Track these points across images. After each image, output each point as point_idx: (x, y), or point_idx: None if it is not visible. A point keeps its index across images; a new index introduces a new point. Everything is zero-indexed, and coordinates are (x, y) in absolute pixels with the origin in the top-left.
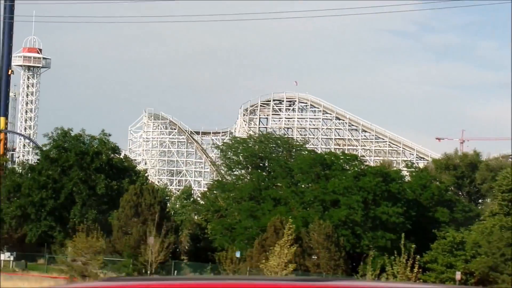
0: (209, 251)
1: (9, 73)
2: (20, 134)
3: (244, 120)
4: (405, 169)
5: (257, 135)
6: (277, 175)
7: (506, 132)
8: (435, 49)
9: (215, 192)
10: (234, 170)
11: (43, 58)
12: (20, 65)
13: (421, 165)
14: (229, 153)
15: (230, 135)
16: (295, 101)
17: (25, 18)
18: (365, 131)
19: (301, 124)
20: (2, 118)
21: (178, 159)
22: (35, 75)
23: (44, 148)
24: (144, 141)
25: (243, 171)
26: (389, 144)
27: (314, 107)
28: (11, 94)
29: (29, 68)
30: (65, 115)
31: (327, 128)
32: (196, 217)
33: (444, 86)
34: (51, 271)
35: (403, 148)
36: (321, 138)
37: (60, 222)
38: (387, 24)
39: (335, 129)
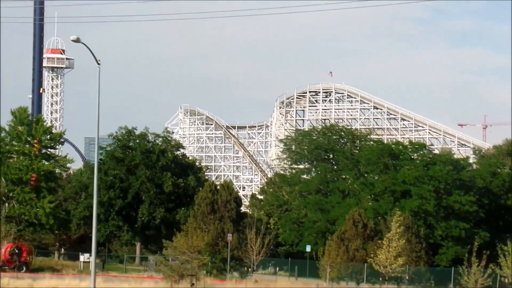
0: (273, 246)
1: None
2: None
3: (280, 113)
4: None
5: (320, 127)
6: (344, 167)
7: None
8: (451, 35)
9: (276, 186)
10: (299, 163)
11: (67, 59)
12: (44, 67)
13: (463, 152)
14: (293, 146)
15: (266, 128)
16: (332, 92)
17: (48, 19)
18: (404, 120)
19: (338, 115)
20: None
21: (216, 154)
22: (59, 75)
23: (108, 148)
24: (181, 137)
25: (307, 164)
26: (429, 132)
27: (351, 97)
28: (31, 96)
29: (53, 69)
30: (92, 114)
31: (365, 118)
32: (255, 212)
33: (461, 71)
34: (129, 271)
35: (443, 135)
36: (359, 128)
37: (128, 222)
38: (403, 11)
39: (373, 118)
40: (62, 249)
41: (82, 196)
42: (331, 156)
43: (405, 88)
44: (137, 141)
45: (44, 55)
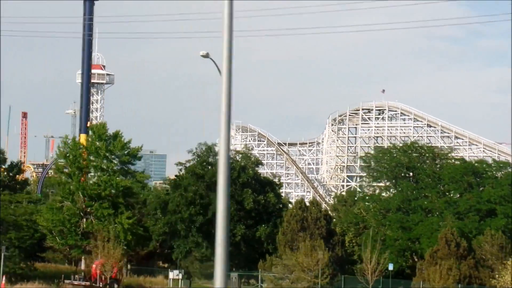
0: (348, 264)
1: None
2: None
3: (332, 130)
4: None
5: (400, 144)
6: (425, 185)
7: None
8: (485, 54)
9: (349, 204)
10: (379, 181)
11: (107, 74)
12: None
13: None
14: (372, 163)
15: (317, 145)
16: (385, 109)
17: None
18: (458, 138)
19: (391, 133)
20: (83, 135)
21: (268, 171)
22: (99, 91)
23: (187, 164)
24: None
25: (387, 181)
26: (483, 150)
27: (404, 114)
28: (70, 111)
29: (93, 84)
30: (132, 130)
31: (418, 136)
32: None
33: (494, 91)
34: None
35: (498, 153)
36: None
37: (208, 238)
38: (439, 31)
39: (426, 136)
40: (129, 265)
41: (158, 212)
42: (412, 174)
43: (443, 106)
44: (217, 157)
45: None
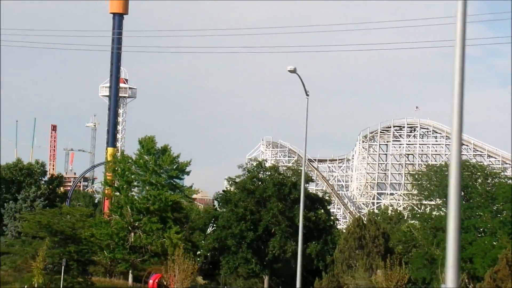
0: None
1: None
2: None
3: (363, 147)
4: None
5: (436, 162)
6: (478, 204)
7: None
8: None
9: (393, 222)
10: (431, 199)
11: (129, 88)
12: (106, 95)
13: None
14: (424, 181)
15: (347, 162)
16: (417, 127)
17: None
18: (491, 157)
19: (422, 150)
20: (110, 149)
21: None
22: (122, 105)
23: (237, 180)
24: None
25: (438, 200)
26: None
27: (436, 132)
28: (90, 124)
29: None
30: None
31: (450, 154)
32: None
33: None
34: None
35: None
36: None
37: (257, 254)
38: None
39: None
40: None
41: (209, 227)
42: (463, 193)
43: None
44: (268, 173)
45: (107, 84)
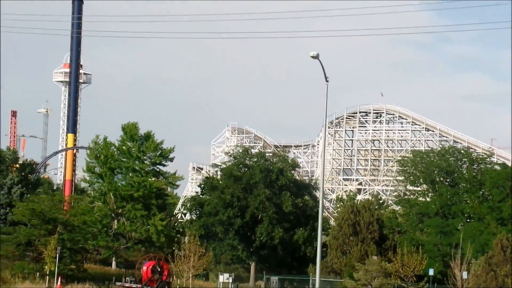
0: None
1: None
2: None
3: (329, 133)
4: None
5: (438, 148)
6: (465, 190)
7: None
8: (451, 60)
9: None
10: (416, 185)
11: (84, 74)
12: (61, 81)
13: None
14: (411, 167)
15: (312, 148)
16: (383, 112)
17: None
18: (456, 142)
19: (388, 136)
20: (70, 135)
21: None
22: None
23: (223, 166)
24: (227, 155)
25: (424, 186)
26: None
27: (402, 118)
28: (42, 110)
29: (68, 83)
30: (108, 129)
31: (416, 140)
32: None
33: (462, 96)
34: None
35: (497, 158)
36: (410, 149)
37: (244, 241)
38: (405, 36)
39: (425, 140)
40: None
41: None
42: (449, 178)
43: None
44: (255, 159)
45: (61, 70)
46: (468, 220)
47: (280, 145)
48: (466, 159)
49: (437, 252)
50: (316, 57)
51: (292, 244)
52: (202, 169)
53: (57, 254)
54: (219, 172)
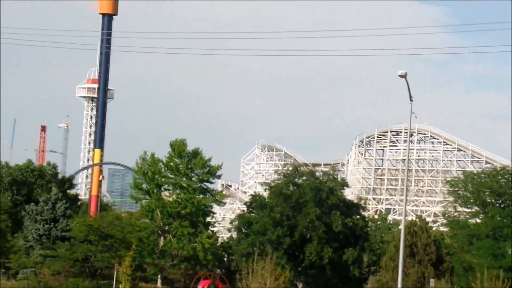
0: None
1: (100, 178)
2: (121, 165)
3: (359, 152)
4: None
5: (477, 170)
6: None
7: None
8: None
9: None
10: (468, 206)
11: (108, 89)
12: (84, 96)
13: None
14: (461, 188)
15: (342, 167)
16: (414, 132)
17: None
18: (488, 163)
19: (419, 156)
20: (97, 150)
21: None
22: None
23: (272, 184)
24: (257, 173)
25: (475, 207)
26: None
27: (434, 138)
28: (63, 125)
29: (92, 99)
30: (131, 144)
31: (448, 160)
32: None
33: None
34: None
35: None
36: (441, 170)
37: (292, 260)
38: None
39: (456, 160)
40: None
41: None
42: (501, 200)
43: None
44: (304, 177)
45: (84, 85)
46: None
47: (310, 163)
48: None
49: (489, 275)
50: (404, 76)
51: (340, 264)
52: (231, 186)
53: (115, 271)
54: (263, 190)
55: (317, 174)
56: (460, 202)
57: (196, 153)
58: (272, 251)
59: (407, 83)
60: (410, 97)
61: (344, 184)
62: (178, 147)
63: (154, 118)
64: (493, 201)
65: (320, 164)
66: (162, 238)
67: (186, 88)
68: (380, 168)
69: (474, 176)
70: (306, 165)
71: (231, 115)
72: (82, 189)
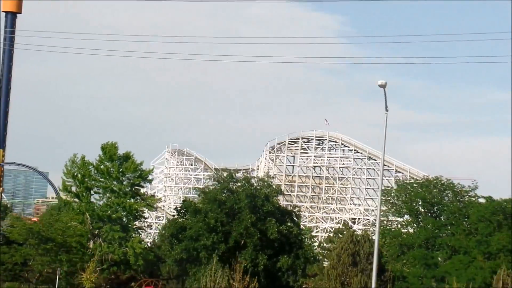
0: None
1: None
2: (25, 166)
3: (270, 158)
4: None
5: (424, 179)
6: (450, 222)
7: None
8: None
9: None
10: (402, 215)
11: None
12: None
13: None
14: (394, 197)
15: (252, 172)
16: (325, 139)
17: None
18: (398, 172)
19: (330, 163)
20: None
21: None
22: None
23: (206, 190)
24: (166, 177)
25: (407, 217)
26: None
27: (345, 146)
28: None
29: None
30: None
31: (358, 168)
32: None
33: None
34: None
35: None
36: (352, 178)
37: (229, 267)
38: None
39: (366, 169)
40: None
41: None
42: (433, 210)
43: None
44: (239, 184)
45: None
46: (453, 254)
47: (220, 168)
48: (449, 191)
49: (421, 286)
50: (383, 86)
51: (274, 272)
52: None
53: (57, 276)
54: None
55: (252, 181)
56: (393, 211)
57: (127, 157)
58: (206, 257)
59: (385, 94)
60: (386, 107)
61: (279, 191)
62: (109, 151)
63: (55, 119)
64: (425, 210)
65: (229, 170)
66: (91, 242)
67: (91, 91)
68: (290, 175)
69: (407, 185)
70: (217, 170)
71: (140, 119)
72: None
